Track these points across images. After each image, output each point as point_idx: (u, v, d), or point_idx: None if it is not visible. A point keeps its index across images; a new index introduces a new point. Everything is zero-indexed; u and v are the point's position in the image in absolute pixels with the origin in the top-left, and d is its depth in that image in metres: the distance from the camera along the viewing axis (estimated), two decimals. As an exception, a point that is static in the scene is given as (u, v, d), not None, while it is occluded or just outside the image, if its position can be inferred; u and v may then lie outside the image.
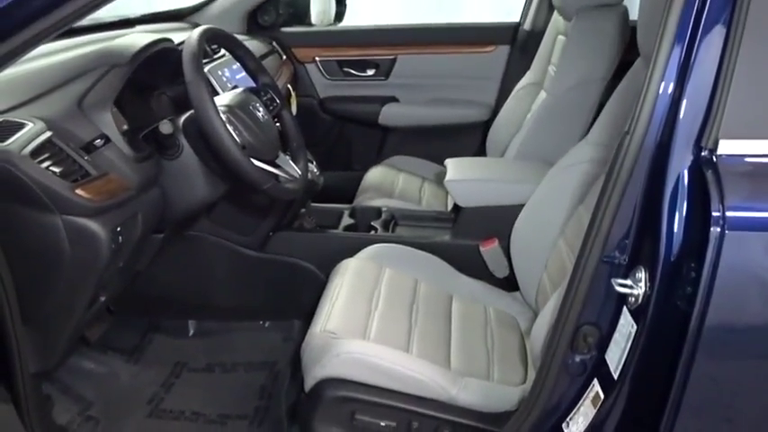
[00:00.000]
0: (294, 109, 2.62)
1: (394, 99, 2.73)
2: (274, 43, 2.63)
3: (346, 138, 2.83)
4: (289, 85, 2.55)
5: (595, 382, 1.07)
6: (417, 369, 1.33)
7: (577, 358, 1.07)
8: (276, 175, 1.42)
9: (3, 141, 1.08)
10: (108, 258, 1.19)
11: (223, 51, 1.90)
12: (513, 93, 2.44)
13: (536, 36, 2.47)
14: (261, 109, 1.45)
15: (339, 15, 2.89)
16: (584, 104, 2.02)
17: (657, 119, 0.91)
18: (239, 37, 2.48)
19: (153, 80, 1.52)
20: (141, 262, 1.55)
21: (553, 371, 1.09)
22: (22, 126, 1.14)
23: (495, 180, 1.82)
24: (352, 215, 2.08)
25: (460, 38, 2.65)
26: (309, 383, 1.35)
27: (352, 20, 2.93)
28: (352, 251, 1.77)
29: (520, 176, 1.83)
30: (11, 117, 1.16)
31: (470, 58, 2.63)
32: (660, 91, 0.90)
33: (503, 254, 1.79)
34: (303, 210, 2.01)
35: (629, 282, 0.97)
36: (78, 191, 1.13)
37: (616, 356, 1.01)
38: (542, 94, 2.24)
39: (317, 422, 1.33)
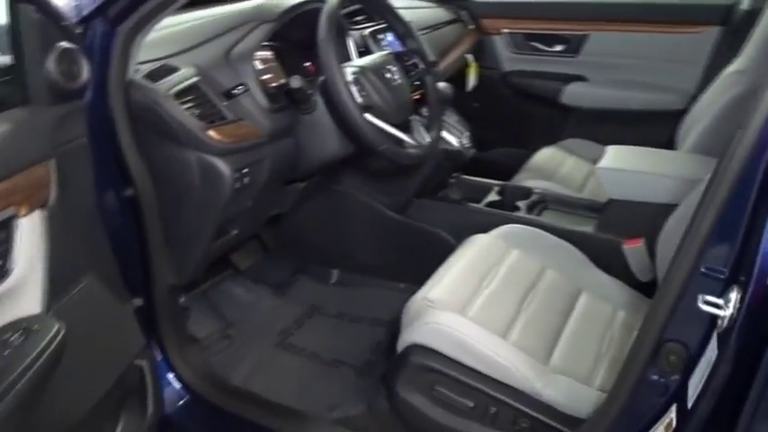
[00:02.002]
0: (474, 80, 2.60)
1: (580, 78, 2.57)
2: (464, 12, 2.62)
3: (524, 114, 2.73)
4: (469, 56, 2.53)
5: (674, 408, 0.94)
6: (506, 355, 1.28)
7: (657, 377, 0.95)
8: (400, 139, 1.44)
9: (154, 82, 1.25)
10: (230, 195, 1.32)
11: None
12: (716, 81, 2.14)
13: (756, 17, 2.12)
14: (397, 73, 1.48)
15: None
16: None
17: None
18: (426, 4, 2.56)
19: (310, 38, 1.63)
20: (280, 205, 1.68)
21: (628, 386, 0.98)
22: (176, 70, 1.31)
23: (652, 173, 1.63)
24: (500, 192, 2.03)
25: (664, 16, 2.37)
26: (400, 346, 1.38)
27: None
28: (488, 227, 1.73)
29: (683, 172, 1.61)
30: (171, 62, 1.34)
31: (673, 39, 2.35)
32: None
33: (647, 255, 1.61)
34: (452, 180, 2.01)
35: (719, 301, 0.83)
36: (210, 132, 1.27)
37: (695, 384, 0.88)
38: (747, 85, 1.93)
39: (400, 385, 1.35)
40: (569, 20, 2.51)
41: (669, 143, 2.31)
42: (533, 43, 2.60)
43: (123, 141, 1.24)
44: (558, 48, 2.58)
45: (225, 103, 1.33)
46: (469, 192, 2.04)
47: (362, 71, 1.41)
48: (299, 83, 1.35)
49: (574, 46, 2.53)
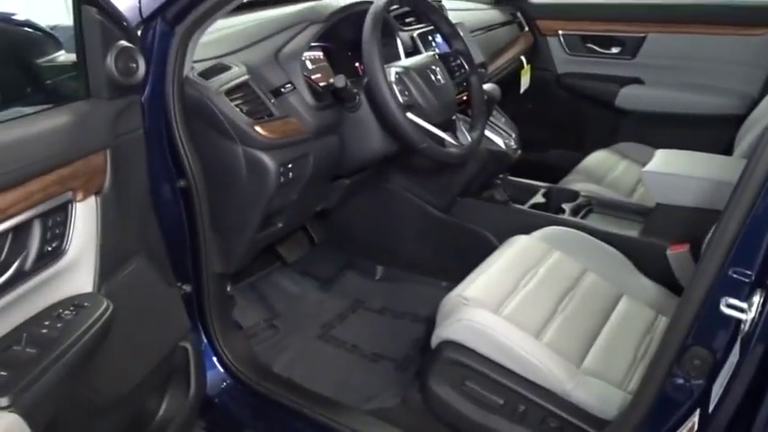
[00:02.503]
0: (526, 81, 2.60)
1: (637, 80, 2.52)
2: (519, 14, 2.61)
3: (578, 117, 2.70)
4: (523, 57, 2.53)
5: (697, 413, 0.93)
6: (537, 355, 1.28)
7: (682, 381, 0.94)
8: (442, 138, 1.47)
9: (207, 79, 1.33)
10: (274, 188, 1.38)
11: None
12: (780, 85, 2.07)
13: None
14: (440, 73, 1.50)
15: (597, -11, 2.73)
16: None
17: None
18: (480, 5, 2.57)
19: (360, 39, 1.67)
20: (326, 201, 1.74)
21: (652, 389, 0.98)
22: (228, 68, 1.38)
23: (699, 177, 1.59)
24: (546, 194, 2.02)
25: (727, 17, 2.30)
26: (434, 342, 1.41)
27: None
28: (531, 229, 1.74)
29: (731, 177, 1.56)
30: (224, 60, 1.41)
31: (735, 41, 2.28)
32: None
33: (692, 261, 1.58)
34: (498, 181, 2.02)
35: (742, 304, 0.82)
36: (257, 127, 1.33)
37: (716, 388, 0.87)
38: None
39: (432, 379, 1.38)
40: (626, 21, 2.47)
41: (728, 149, 2.24)
42: (589, 45, 2.58)
43: (178, 135, 1.32)
44: (615, 50, 2.54)
45: (273, 101, 1.39)
46: (515, 193, 2.04)
47: (406, 71, 1.45)
48: (343, 82, 1.39)
49: (631, 48, 2.49)
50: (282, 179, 1.39)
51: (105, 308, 0.98)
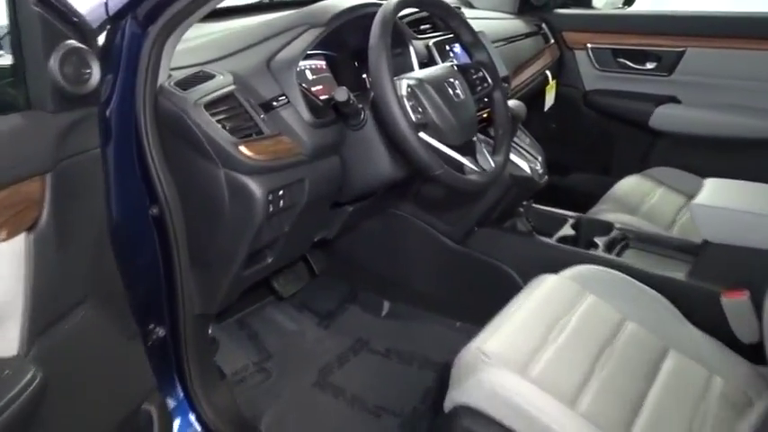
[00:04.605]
0: (551, 99, 2.39)
1: (674, 99, 2.30)
2: (544, 25, 2.40)
3: (608, 138, 2.48)
4: (548, 72, 2.32)
5: None
6: (574, 430, 1.06)
7: None
8: (460, 163, 1.25)
9: (185, 90, 1.12)
10: (262, 219, 1.17)
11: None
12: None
13: None
14: (460, 87, 1.29)
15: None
16: None
17: None
18: (503, 14, 2.36)
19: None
20: (325, 230, 1.53)
21: None
22: (211, 77, 1.17)
23: (761, 214, 1.36)
24: (575, 226, 1.79)
25: (775, 31, 2.09)
26: (447, 405, 1.18)
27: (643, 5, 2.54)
28: (559, 266, 1.52)
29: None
30: (208, 68, 1.20)
31: (785, 57, 2.06)
32: None
33: (753, 312, 1.35)
34: (521, 209, 1.80)
35: None
36: (242, 147, 1.12)
37: None
38: None
39: (444, 451, 1.16)
40: (663, 34, 2.25)
41: (777, 177, 2.01)
42: (621, 60, 2.36)
43: (150, 154, 1.13)
44: (650, 65, 2.32)
45: (263, 116, 1.18)
46: (540, 223, 1.82)
47: (419, 84, 1.23)
48: (346, 95, 1.19)
49: (667, 64, 2.27)
50: (272, 208, 1.18)
51: (31, 377, 0.77)
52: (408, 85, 1.22)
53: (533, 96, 2.27)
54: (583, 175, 2.53)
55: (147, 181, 1.13)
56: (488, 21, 2.17)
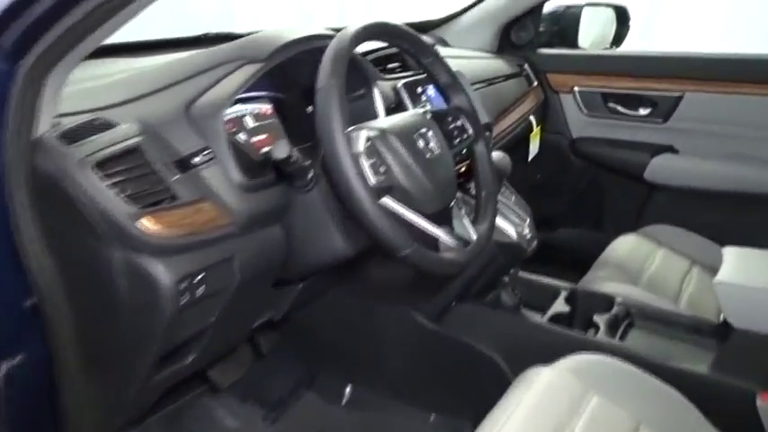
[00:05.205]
0: (536, 147, 2.16)
1: (670, 149, 2.09)
2: (526, 66, 2.19)
3: (599, 190, 2.27)
4: (532, 117, 2.09)
5: None
6: None
7: None
8: (434, 239, 0.98)
9: (71, 143, 0.84)
10: (172, 313, 0.88)
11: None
12: None
13: None
14: (434, 139, 1.03)
15: (618, 39, 2.33)
16: None
17: None
18: (482, 54, 2.14)
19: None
20: (271, 311, 1.24)
21: None
22: (110, 126, 0.90)
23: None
24: (570, 299, 1.53)
25: (784, 74, 1.89)
26: None
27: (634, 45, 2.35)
28: (553, 353, 1.24)
29: None
30: (107, 115, 0.92)
31: (797, 104, 1.86)
32: None
33: (799, 421, 1.09)
34: (506, 279, 1.53)
35: None
36: (143, 220, 0.84)
37: None
38: None
39: None
40: (658, 77, 2.05)
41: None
42: (611, 104, 2.14)
43: (22, 230, 0.85)
44: (643, 111, 2.11)
45: (177, 177, 0.90)
46: (529, 294, 1.55)
47: (382, 135, 0.97)
48: (286, 151, 0.92)
49: (663, 109, 2.06)
50: (187, 298, 0.90)
51: None
52: (368, 138, 0.95)
53: (516, 144, 2.05)
54: (572, 231, 2.29)
55: (19, 265, 0.85)
56: (466, 60, 1.94)
